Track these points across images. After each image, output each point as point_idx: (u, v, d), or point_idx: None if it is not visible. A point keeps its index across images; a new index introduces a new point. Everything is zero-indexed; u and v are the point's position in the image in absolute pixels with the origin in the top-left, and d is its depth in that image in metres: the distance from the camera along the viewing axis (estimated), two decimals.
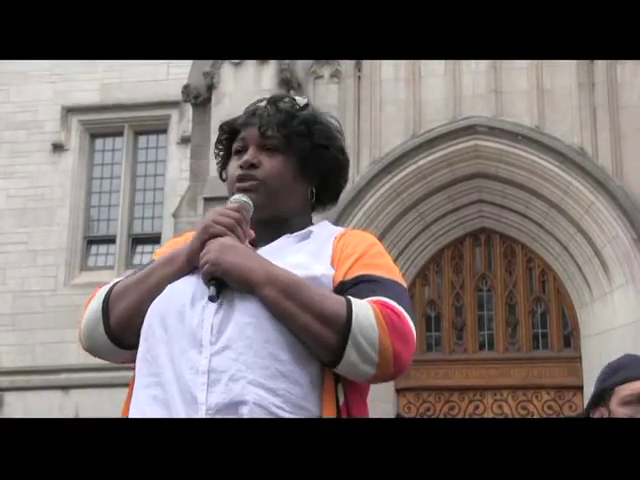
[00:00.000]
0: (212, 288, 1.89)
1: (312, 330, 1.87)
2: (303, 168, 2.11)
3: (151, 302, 1.96)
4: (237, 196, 2.04)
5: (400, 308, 1.91)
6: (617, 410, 2.64)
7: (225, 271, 1.90)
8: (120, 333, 2.00)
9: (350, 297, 1.90)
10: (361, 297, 1.91)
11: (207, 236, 1.95)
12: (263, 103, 2.16)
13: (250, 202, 2.03)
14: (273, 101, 2.15)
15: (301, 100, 2.16)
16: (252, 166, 2.08)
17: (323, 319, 1.86)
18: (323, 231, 2.11)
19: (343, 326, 1.86)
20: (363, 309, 1.88)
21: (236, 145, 2.14)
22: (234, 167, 2.12)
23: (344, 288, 1.95)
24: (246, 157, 2.09)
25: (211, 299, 1.88)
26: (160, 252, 2.14)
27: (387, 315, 1.89)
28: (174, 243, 2.15)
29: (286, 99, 2.16)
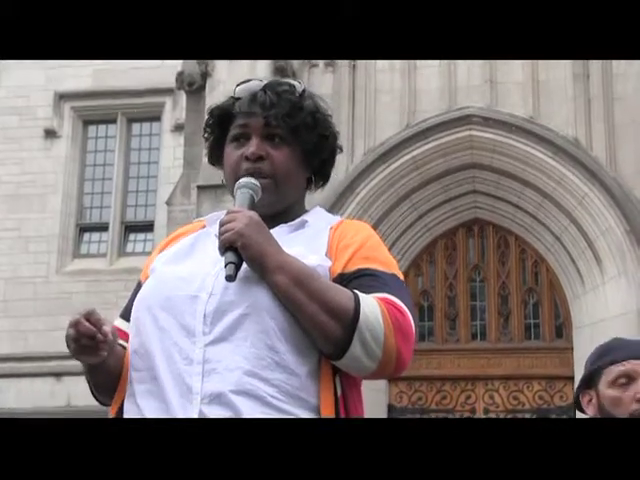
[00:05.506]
0: (230, 267, 1.84)
1: (319, 321, 1.86)
2: (306, 158, 2.10)
3: (109, 371, 1.96)
4: (245, 179, 2.02)
5: (404, 306, 1.92)
6: (605, 392, 2.67)
7: (246, 245, 1.88)
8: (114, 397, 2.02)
9: (356, 291, 1.90)
10: (364, 292, 1.90)
11: None
12: (255, 84, 2.13)
13: (259, 184, 2.01)
14: (271, 87, 2.11)
15: (299, 86, 2.13)
16: (259, 158, 2.05)
17: (331, 311, 1.86)
18: (318, 220, 2.09)
19: (350, 320, 1.85)
20: (371, 305, 1.88)
21: (235, 132, 2.10)
22: (236, 155, 2.07)
23: (344, 280, 1.94)
24: (252, 149, 2.05)
25: (228, 279, 1.84)
26: (159, 247, 2.16)
27: (393, 314, 1.89)
28: (160, 247, 2.16)
29: (284, 85, 2.12)
